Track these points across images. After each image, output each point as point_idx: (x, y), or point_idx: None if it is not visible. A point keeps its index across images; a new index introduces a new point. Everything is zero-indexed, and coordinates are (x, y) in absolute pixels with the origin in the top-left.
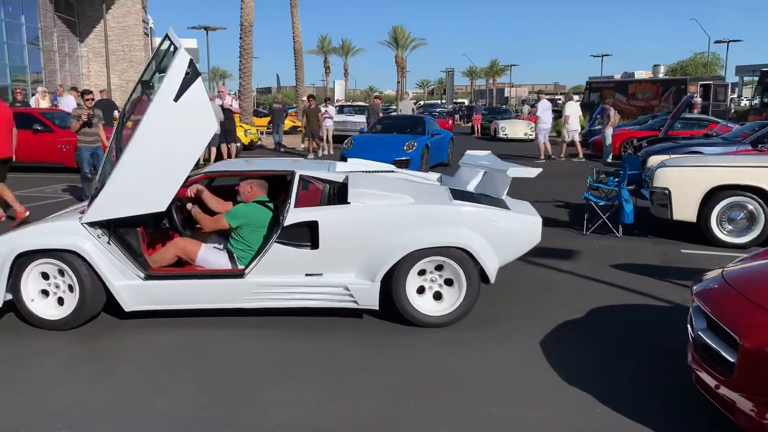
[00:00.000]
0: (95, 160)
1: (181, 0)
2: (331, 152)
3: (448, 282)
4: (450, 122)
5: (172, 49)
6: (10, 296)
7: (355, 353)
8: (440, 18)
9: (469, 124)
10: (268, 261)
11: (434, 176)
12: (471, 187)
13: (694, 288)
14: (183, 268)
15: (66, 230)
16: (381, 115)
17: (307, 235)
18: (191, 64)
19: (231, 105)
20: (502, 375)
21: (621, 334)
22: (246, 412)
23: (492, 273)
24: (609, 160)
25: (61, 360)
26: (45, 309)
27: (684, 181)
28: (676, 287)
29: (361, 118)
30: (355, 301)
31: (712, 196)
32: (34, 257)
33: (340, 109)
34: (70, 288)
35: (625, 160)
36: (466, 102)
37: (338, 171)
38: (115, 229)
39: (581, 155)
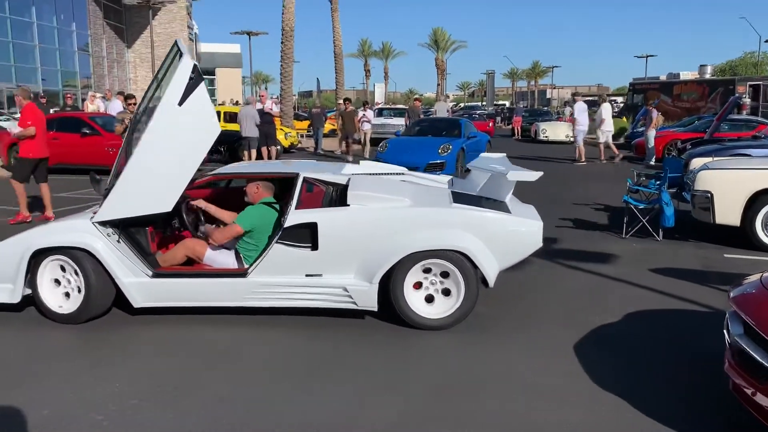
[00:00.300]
0: None
1: (224, 6)
2: (369, 155)
3: (447, 285)
4: (491, 124)
5: (178, 56)
6: (29, 291)
7: (388, 353)
8: (481, 20)
9: (510, 126)
10: (270, 261)
11: (445, 179)
12: (479, 190)
13: (732, 293)
14: (189, 267)
15: (78, 229)
16: (421, 117)
17: (307, 236)
18: (195, 69)
19: (271, 109)
20: (535, 378)
21: (657, 338)
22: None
23: (491, 276)
24: (652, 162)
25: (95, 352)
26: (54, 302)
27: (727, 184)
28: (716, 292)
29: (399, 121)
30: (354, 302)
31: (758, 200)
32: (49, 254)
33: (379, 112)
34: (79, 289)
35: (667, 162)
36: (507, 104)
37: (343, 173)
38: (125, 229)
39: (618, 155)
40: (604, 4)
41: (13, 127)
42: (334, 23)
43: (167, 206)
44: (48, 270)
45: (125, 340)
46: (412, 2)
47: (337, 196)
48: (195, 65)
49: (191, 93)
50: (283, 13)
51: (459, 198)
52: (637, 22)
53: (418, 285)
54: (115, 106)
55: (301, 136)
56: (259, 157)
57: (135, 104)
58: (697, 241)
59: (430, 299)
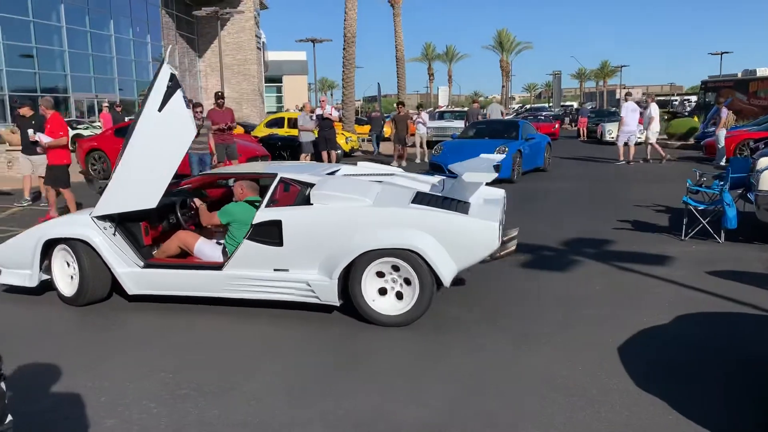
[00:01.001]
0: (202, 165)
1: (291, 14)
2: (425, 159)
3: (407, 282)
4: (556, 126)
5: (161, 64)
6: (46, 276)
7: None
8: (546, 20)
9: (576, 127)
10: (242, 256)
11: (436, 179)
12: (444, 191)
13: None
14: (176, 260)
15: (78, 222)
16: (480, 118)
17: (274, 233)
18: (172, 77)
19: (331, 114)
20: (577, 378)
21: (706, 342)
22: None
23: (445, 276)
24: (722, 163)
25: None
26: (62, 286)
27: None
28: None
29: (460, 124)
30: (317, 297)
31: None
32: (56, 244)
33: (440, 115)
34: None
35: (732, 162)
36: (575, 105)
37: (323, 174)
38: (121, 223)
39: (665, 156)
40: (676, 1)
41: (43, 137)
42: (396, 28)
43: (152, 203)
44: (58, 258)
45: (180, 333)
46: (476, 5)
47: (308, 195)
48: (172, 74)
49: (169, 99)
50: (345, 20)
51: (421, 198)
52: (711, 18)
53: (378, 282)
54: None
55: (362, 140)
56: (319, 160)
57: (201, 112)
58: (762, 244)
59: (387, 296)
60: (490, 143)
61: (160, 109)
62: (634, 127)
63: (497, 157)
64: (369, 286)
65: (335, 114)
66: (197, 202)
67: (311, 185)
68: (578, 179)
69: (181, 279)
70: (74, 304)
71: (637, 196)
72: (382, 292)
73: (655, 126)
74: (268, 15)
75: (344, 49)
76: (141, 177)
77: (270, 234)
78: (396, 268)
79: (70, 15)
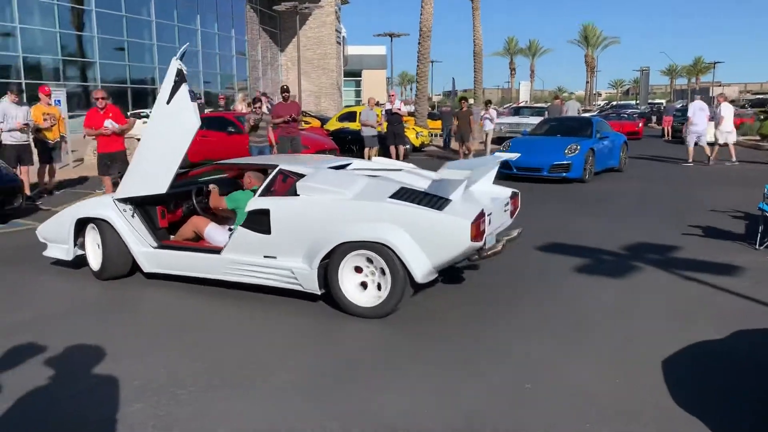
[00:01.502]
0: None
1: (370, 9)
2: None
3: (383, 275)
4: (640, 125)
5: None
6: (82, 252)
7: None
8: (635, 14)
9: (662, 126)
10: (236, 242)
11: (434, 175)
12: (452, 189)
13: None
14: (186, 242)
15: (104, 204)
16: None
17: (264, 221)
18: (179, 73)
19: (399, 109)
20: (612, 389)
21: (761, 361)
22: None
23: (416, 271)
24: None
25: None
26: (92, 261)
27: None
28: None
29: (536, 120)
30: (300, 284)
31: None
32: (87, 223)
33: (516, 111)
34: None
35: None
36: (664, 103)
37: (323, 167)
38: (139, 206)
39: (734, 158)
40: None
41: (114, 125)
42: (475, 22)
43: (162, 189)
44: (90, 236)
45: (222, 322)
46: None
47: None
48: (179, 69)
49: (176, 93)
50: (421, 14)
51: (402, 193)
52: None
53: (355, 273)
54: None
55: (434, 135)
56: (387, 155)
57: (260, 107)
58: None
59: (362, 287)
60: (561, 141)
61: (168, 102)
62: (702, 127)
63: (510, 155)
64: (345, 276)
65: (404, 109)
66: (211, 187)
67: (303, 177)
68: (653, 180)
69: (187, 260)
70: (99, 278)
71: (714, 201)
72: (361, 283)
73: (726, 126)
74: (348, 10)
75: (419, 43)
76: (152, 165)
77: (260, 222)
78: (372, 261)
79: (159, 10)
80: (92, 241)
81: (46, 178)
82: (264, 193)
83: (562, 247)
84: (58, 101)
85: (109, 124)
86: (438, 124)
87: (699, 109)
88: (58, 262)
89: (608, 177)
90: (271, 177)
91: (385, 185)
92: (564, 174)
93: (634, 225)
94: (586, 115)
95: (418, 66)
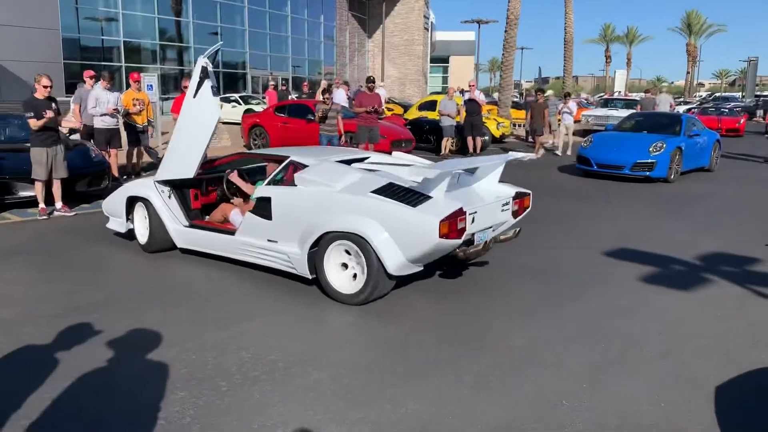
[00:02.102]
0: (332, 145)
1: None
2: (568, 152)
3: (362, 264)
4: (741, 120)
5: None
6: (132, 225)
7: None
8: (744, 0)
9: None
10: (247, 226)
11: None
12: (433, 186)
13: None
14: (211, 223)
15: (146, 185)
16: (674, 107)
17: (267, 208)
18: (204, 70)
19: (478, 98)
20: (654, 412)
21: None
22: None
23: (389, 263)
24: None
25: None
26: (141, 237)
27: None
28: None
29: (626, 113)
30: (294, 268)
31: None
32: (135, 201)
33: (605, 102)
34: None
35: None
36: None
37: (331, 160)
38: (175, 188)
39: None
40: None
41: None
42: (567, 9)
43: (190, 173)
44: (139, 212)
45: (277, 314)
46: None
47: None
48: (204, 67)
49: (200, 88)
50: (509, 1)
51: (387, 189)
52: None
53: (342, 261)
54: (340, 96)
55: (517, 125)
56: (464, 146)
57: (330, 99)
58: None
59: (345, 275)
60: (646, 138)
61: (194, 96)
62: None
63: (525, 155)
64: (329, 263)
65: (482, 98)
66: (226, 171)
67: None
68: (744, 183)
69: (209, 240)
70: (145, 250)
71: None
72: (344, 271)
73: None
74: None
75: (506, 31)
76: (181, 152)
77: (265, 209)
78: (353, 251)
79: None
80: (140, 217)
81: (135, 159)
82: (272, 183)
83: (631, 253)
84: (150, 86)
85: None
86: (522, 113)
87: None
88: (120, 235)
89: (696, 177)
90: (280, 167)
91: (374, 180)
92: (647, 173)
93: (715, 232)
94: (683, 108)
95: (503, 54)
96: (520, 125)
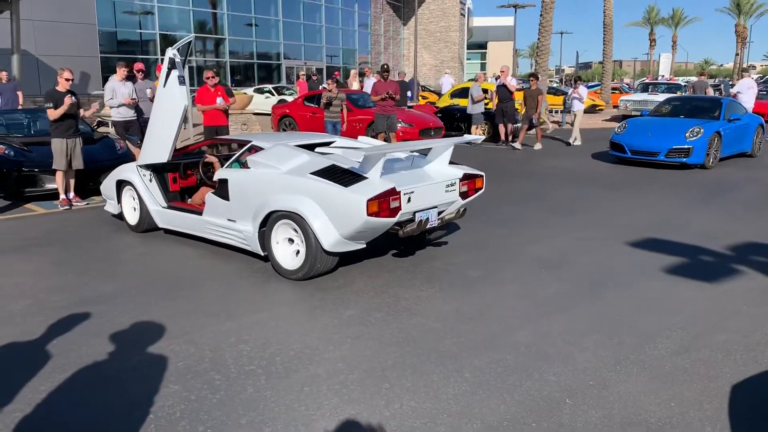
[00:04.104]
0: (335, 131)
1: None
2: (576, 142)
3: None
4: None
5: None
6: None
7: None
8: None
9: None
10: (210, 206)
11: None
12: (369, 166)
13: None
14: (186, 204)
15: (130, 169)
16: (709, 92)
17: (225, 189)
18: (171, 61)
19: (510, 83)
20: (662, 412)
21: None
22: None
23: (323, 240)
24: None
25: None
26: (129, 217)
27: None
28: None
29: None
30: (248, 245)
31: None
32: (123, 184)
33: (645, 87)
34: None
35: None
36: None
37: (282, 144)
38: (155, 172)
39: None
40: None
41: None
42: None
43: (163, 158)
44: (127, 195)
45: (280, 306)
46: None
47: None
48: (171, 58)
49: (168, 78)
50: None
51: (326, 170)
52: None
53: (287, 238)
54: (369, 84)
55: (554, 112)
56: (496, 133)
57: (334, 85)
58: None
59: (290, 251)
60: (683, 123)
61: (164, 86)
62: None
63: (477, 137)
64: (276, 240)
65: (514, 83)
66: (211, 158)
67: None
68: None
69: (183, 220)
70: (135, 230)
71: None
72: (290, 248)
73: None
74: None
75: (541, 15)
76: (155, 138)
77: (223, 189)
78: (296, 230)
79: None
80: (127, 198)
81: None
82: (237, 165)
83: (658, 243)
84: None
85: (221, 102)
86: (560, 99)
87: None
88: (115, 216)
89: (737, 163)
90: (242, 151)
91: (317, 162)
92: (683, 159)
93: (751, 222)
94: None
95: (539, 39)
96: (557, 111)
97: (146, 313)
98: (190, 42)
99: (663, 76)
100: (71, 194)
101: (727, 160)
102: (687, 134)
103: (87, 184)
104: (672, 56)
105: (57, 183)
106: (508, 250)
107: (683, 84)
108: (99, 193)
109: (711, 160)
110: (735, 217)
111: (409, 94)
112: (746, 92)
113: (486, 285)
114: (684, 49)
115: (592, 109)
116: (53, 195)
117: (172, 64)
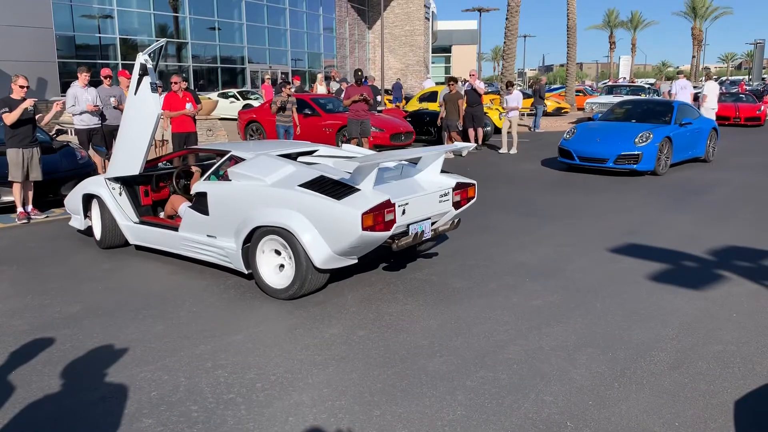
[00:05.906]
0: (287, 135)
1: None
2: (512, 150)
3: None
4: (762, 107)
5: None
6: (90, 222)
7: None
8: None
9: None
10: (187, 221)
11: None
12: (361, 178)
13: None
14: (158, 219)
15: (98, 182)
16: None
17: (204, 203)
18: (143, 67)
19: (478, 87)
20: (664, 430)
21: None
22: None
23: (314, 256)
24: None
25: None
26: (98, 233)
27: None
28: None
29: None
30: (231, 263)
31: None
32: (91, 198)
33: (610, 90)
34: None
35: None
36: None
37: (265, 154)
38: (125, 185)
39: None
40: None
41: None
42: None
43: (135, 170)
44: (94, 209)
45: (259, 327)
46: None
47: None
48: (142, 64)
49: (139, 85)
50: None
51: (315, 182)
52: None
53: (273, 255)
54: (336, 88)
55: (522, 115)
56: (465, 139)
57: (289, 89)
58: None
59: (276, 268)
60: (633, 128)
61: (135, 93)
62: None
63: (468, 145)
64: (262, 257)
65: (482, 87)
66: (194, 169)
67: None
68: (746, 173)
69: (156, 236)
70: (100, 246)
71: None
72: (278, 266)
73: None
74: None
75: (507, 19)
76: (126, 149)
77: (202, 204)
78: (285, 246)
79: None
80: (96, 214)
81: None
82: (215, 177)
83: (638, 249)
84: None
85: (189, 107)
86: (528, 102)
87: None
88: (81, 232)
89: (689, 168)
90: (220, 162)
91: (305, 173)
92: (633, 166)
93: (726, 224)
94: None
95: (505, 42)
96: (524, 114)
97: (114, 336)
98: (162, 46)
99: (624, 78)
100: (29, 207)
101: (680, 165)
102: (636, 140)
103: (46, 195)
104: (631, 59)
105: (14, 195)
106: (486, 260)
107: (647, 86)
108: (59, 206)
109: (662, 167)
110: (711, 219)
111: (379, 98)
112: (681, 93)
113: (471, 297)
114: (643, 52)
115: (557, 112)
116: (10, 208)
117: (144, 70)
